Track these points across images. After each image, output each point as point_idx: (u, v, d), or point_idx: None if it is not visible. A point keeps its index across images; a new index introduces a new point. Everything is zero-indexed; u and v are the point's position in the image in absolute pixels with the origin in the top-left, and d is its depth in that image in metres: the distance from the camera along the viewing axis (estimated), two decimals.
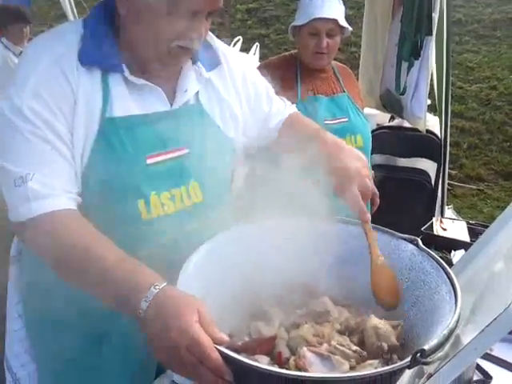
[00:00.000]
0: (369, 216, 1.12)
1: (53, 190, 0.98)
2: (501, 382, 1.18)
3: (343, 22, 1.98)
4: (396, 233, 1.15)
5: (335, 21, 1.95)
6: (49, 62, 1.01)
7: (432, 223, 1.86)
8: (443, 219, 1.89)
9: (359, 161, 1.16)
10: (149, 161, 1.08)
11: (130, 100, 1.07)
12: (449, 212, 3.32)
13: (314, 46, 1.98)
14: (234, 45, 5.17)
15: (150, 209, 1.08)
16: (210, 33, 1.21)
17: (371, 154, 2.27)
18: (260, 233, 1.19)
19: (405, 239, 1.13)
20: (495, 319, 0.67)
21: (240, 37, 5.34)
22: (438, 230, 1.80)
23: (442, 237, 1.72)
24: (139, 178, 1.06)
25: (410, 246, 1.12)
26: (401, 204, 2.75)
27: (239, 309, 1.13)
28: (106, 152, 1.04)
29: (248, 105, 1.27)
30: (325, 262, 1.17)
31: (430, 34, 2.47)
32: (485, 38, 7.50)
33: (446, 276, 1.01)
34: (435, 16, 2.53)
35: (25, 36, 4.02)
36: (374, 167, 2.43)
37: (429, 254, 1.08)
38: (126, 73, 1.06)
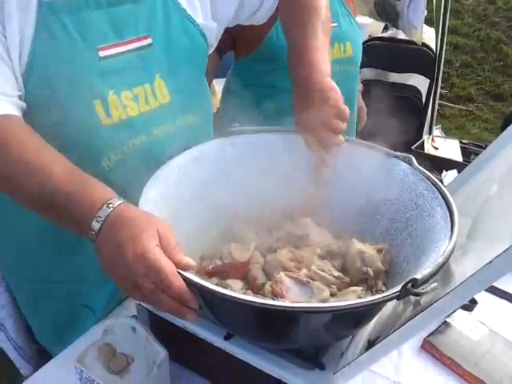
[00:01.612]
0: (327, 164, 1.01)
1: None
2: (486, 306, 1.14)
3: None
4: (388, 150, 1.03)
5: None
6: None
7: (423, 141, 1.74)
8: (435, 137, 1.77)
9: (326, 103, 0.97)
10: (101, 53, 0.91)
11: None
12: (437, 132, 3.22)
13: None
14: None
15: (110, 111, 0.93)
16: None
17: (362, 67, 2.10)
18: (235, 148, 1.06)
19: (397, 157, 1.01)
20: (506, 251, 0.57)
21: None
22: (429, 148, 1.68)
23: (434, 156, 1.60)
24: (92, 74, 0.90)
25: (403, 165, 1.00)
26: (390, 121, 2.63)
27: (211, 233, 1.03)
28: (49, 45, 0.86)
29: None
30: (306, 182, 1.05)
31: None
32: None
33: (441, 198, 0.90)
34: None
35: None
36: (364, 82, 2.28)
37: (423, 173, 0.96)
38: None
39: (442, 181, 1.42)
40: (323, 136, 0.96)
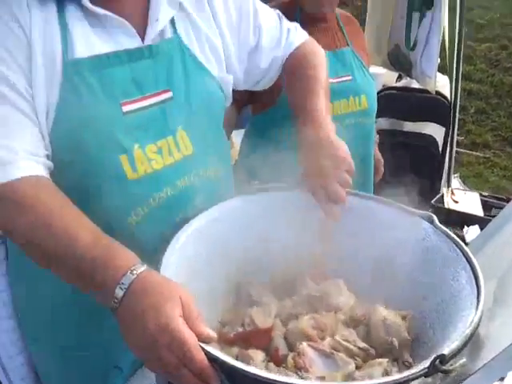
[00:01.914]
0: (335, 217, 1.00)
1: (14, 154, 0.82)
2: None
3: None
4: (408, 208, 1.00)
5: None
6: None
7: (442, 195, 1.71)
8: (454, 190, 1.74)
9: (334, 158, 0.99)
10: (125, 108, 0.92)
11: (94, 37, 0.91)
12: (455, 181, 3.19)
13: None
14: None
15: (135, 165, 0.93)
16: None
17: (376, 117, 2.10)
18: (256, 207, 1.05)
19: (419, 215, 0.98)
20: None
21: None
22: (448, 202, 1.65)
23: (455, 210, 1.57)
24: (116, 128, 0.91)
25: (425, 224, 0.97)
26: (407, 171, 2.61)
27: (231, 295, 1.01)
28: (74, 102, 0.88)
29: (230, 34, 1.10)
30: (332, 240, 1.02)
31: None
32: None
33: (466, 261, 0.86)
34: None
35: None
36: (380, 132, 2.28)
37: (446, 233, 0.93)
38: (85, 1, 0.89)
39: (463, 237, 1.38)
40: (331, 187, 0.97)
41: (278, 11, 1.23)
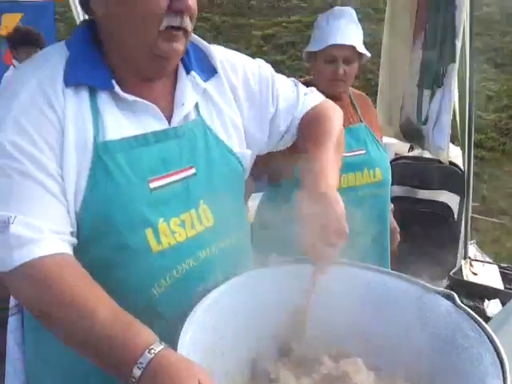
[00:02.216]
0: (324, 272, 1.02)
1: (38, 232, 0.85)
2: None
3: (361, 49, 1.85)
4: (428, 285, 1.00)
5: (353, 47, 1.82)
6: (31, 89, 0.91)
7: (461, 266, 1.70)
8: (473, 262, 1.73)
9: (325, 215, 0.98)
10: (152, 185, 0.97)
11: (124, 120, 0.97)
12: (472, 248, 3.15)
13: (330, 73, 1.85)
14: None
15: (160, 238, 0.96)
16: (205, 42, 1.13)
17: (390, 185, 2.14)
18: (271, 280, 1.06)
19: (439, 293, 0.98)
20: None
21: None
22: (467, 274, 1.64)
23: (474, 283, 1.55)
24: (144, 204, 0.95)
25: (445, 302, 0.97)
26: (423, 240, 2.60)
27: (247, 370, 1.00)
28: (104, 181, 0.92)
29: (250, 107, 1.16)
30: (350, 316, 1.03)
31: (454, 60, 2.35)
32: (503, 66, 7.40)
33: (489, 342, 0.85)
34: (458, 43, 2.41)
35: None
36: (394, 199, 2.30)
37: (467, 312, 0.93)
38: (117, 88, 0.96)
39: (485, 311, 1.36)
40: (319, 248, 0.97)
41: (293, 79, 1.29)
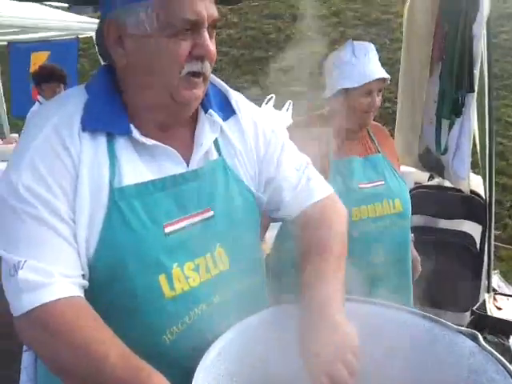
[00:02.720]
0: None
1: (49, 277, 0.86)
2: None
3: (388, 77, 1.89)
4: (451, 325, 0.98)
5: (386, 79, 1.87)
6: (48, 133, 0.92)
7: (484, 300, 1.66)
8: (497, 296, 1.68)
9: (337, 345, 0.89)
10: (167, 229, 0.96)
11: (142, 165, 0.97)
12: (495, 278, 3.08)
13: (366, 106, 1.86)
14: (267, 102, 5.15)
15: (173, 284, 0.95)
16: (224, 84, 1.13)
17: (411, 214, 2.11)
18: (290, 318, 1.04)
19: (462, 333, 0.95)
20: None
21: (273, 94, 5.34)
22: (491, 308, 1.59)
23: (498, 319, 1.51)
24: (158, 249, 0.94)
25: (469, 342, 0.94)
26: (445, 271, 2.54)
27: None
28: (119, 226, 0.92)
29: (257, 163, 1.12)
30: (372, 357, 0.99)
31: (473, 90, 2.34)
32: None
33: None
34: (476, 72, 2.41)
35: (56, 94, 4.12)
36: (414, 229, 2.27)
37: (492, 353, 0.90)
38: (135, 133, 0.96)
39: (509, 348, 1.32)
40: (337, 373, 0.86)
41: (308, 159, 1.21)
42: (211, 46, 0.95)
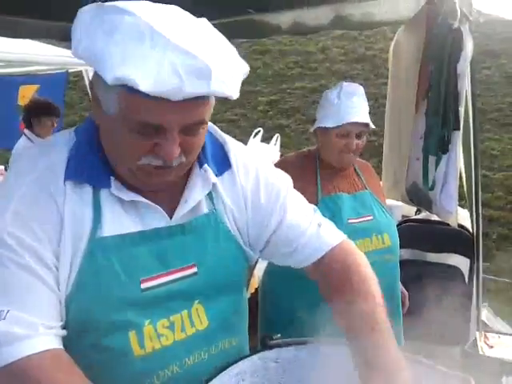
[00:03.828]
0: None
1: (31, 329, 0.83)
2: None
3: (371, 124, 1.92)
4: (447, 370, 0.97)
5: (366, 124, 1.89)
6: (32, 180, 0.90)
7: (475, 339, 1.65)
8: (488, 334, 1.68)
9: None
10: (144, 285, 0.93)
11: (125, 217, 0.94)
12: (485, 311, 3.07)
13: (342, 147, 1.90)
14: (255, 135, 5.21)
15: (144, 342, 0.92)
16: (223, 134, 1.10)
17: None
18: (277, 364, 1.03)
19: (456, 378, 0.94)
20: None
21: (260, 128, 5.41)
22: (482, 347, 1.58)
23: (490, 358, 1.50)
24: (130, 306, 0.91)
25: None
26: (433, 305, 2.53)
27: None
28: (92, 277, 0.90)
29: (253, 216, 1.07)
30: None
31: (458, 128, 2.38)
32: (506, 126, 7.52)
33: None
34: (461, 109, 2.45)
35: (51, 128, 4.09)
36: (402, 263, 2.28)
37: None
38: (113, 188, 0.93)
39: None
40: None
41: (314, 206, 1.19)
42: (174, 150, 0.86)
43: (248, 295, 2.29)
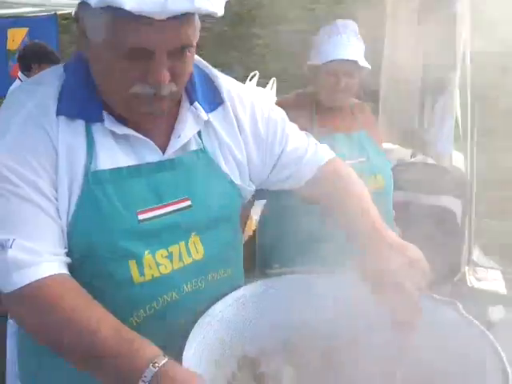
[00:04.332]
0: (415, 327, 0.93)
1: (37, 255, 0.88)
2: None
3: (363, 62, 1.89)
4: (433, 295, 1.02)
5: (354, 62, 1.86)
6: (26, 113, 0.93)
7: (465, 272, 1.72)
8: (477, 268, 1.74)
9: (402, 258, 0.95)
10: (141, 216, 0.97)
11: (118, 150, 0.97)
12: (476, 252, 3.16)
13: (331, 86, 1.90)
14: (251, 79, 5.13)
15: (143, 270, 0.97)
16: (214, 69, 1.11)
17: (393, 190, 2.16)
18: (276, 290, 1.09)
19: (443, 302, 1.00)
20: None
21: (256, 71, 5.31)
22: (471, 279, 1.65)
23: (478, 289, 1.57)
24: (129, 236, 0.96)
25: (449, 311, 0.98)
26: (426, 245, 2.61)
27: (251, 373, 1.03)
28: (91, 209, 0.94)
29: (256, 145, 1.12)
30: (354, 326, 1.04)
31: (454, 68, 2.37)
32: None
33: (492, 350, 0.88)
34: (458, 50, 2.43)
35: None
36: (396, 205, 2.32)
37: (471, 322, 0.95)
38: (107, 122, 0.96)
39: (488, 317, 1.38)
40: (408, 294, 0.92)
41: (306, 132, 1.25)
42: (163, 75, 0.89)
43: (246, 237, 2.35)
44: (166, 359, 0.78)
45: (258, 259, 2.09)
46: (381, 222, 1.03)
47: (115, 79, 0.91)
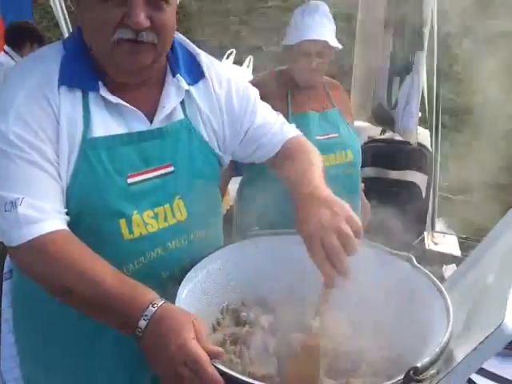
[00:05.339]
0: (333, 283, 0.96)
1: (43, 212, 0.98)
2: None
3: (334, 43, 1.99)
4: (389, 249, 1.17)
5: (325, 42, 1.96)
6: (30, 86, 1.03)
7: (423, 237, 1.88)
8: (434, 233, 1.91)
9: (329, 209, 0.99)
10: (130, 180, 1.08)
11: (111, 120, 1.08)
12: (439, 225, 3.36)
13: (304, 66, 1.99)
14: (228, 57, 5.17)
15: (132, 228, 1.08)
16: (194, 45, 1.22)
17: (363, 166, 2.31)
18: (257, 250, 1.22)
19: (398, 256, 1.15)
20: (487, 337, 0.69)
21: (233, 49, 5.35)
22: (429, 244, 1.82)
23: (434, 251, 1.74)
24: (119, 198, 1.07)
25: (403, 263, 1.13)
26: (393, 216, 2.78)
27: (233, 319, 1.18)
28: (86, 173, 1.05)
29: (228, 119, 1.23)
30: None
31: (422, 49, 2.51)
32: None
33: (439, 293, 1.03)
34: (425, 31, 2.57)
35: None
36: (366, 180, 2.47)
37: (423, 272, 1.09)
38: (102, 90, 1.07)
39: (443, 275, 1.54)
40: (328, 240, 0.94)
41: (277, 112, 1.34)
42: (140, 16, 0.98)
43: (224, 211, 2.46)
44: (163, 301, 0.91)
45: (238, 228, 2.21)
46: (318, 184, 1.08)
47: (98, 28, 1.01)
